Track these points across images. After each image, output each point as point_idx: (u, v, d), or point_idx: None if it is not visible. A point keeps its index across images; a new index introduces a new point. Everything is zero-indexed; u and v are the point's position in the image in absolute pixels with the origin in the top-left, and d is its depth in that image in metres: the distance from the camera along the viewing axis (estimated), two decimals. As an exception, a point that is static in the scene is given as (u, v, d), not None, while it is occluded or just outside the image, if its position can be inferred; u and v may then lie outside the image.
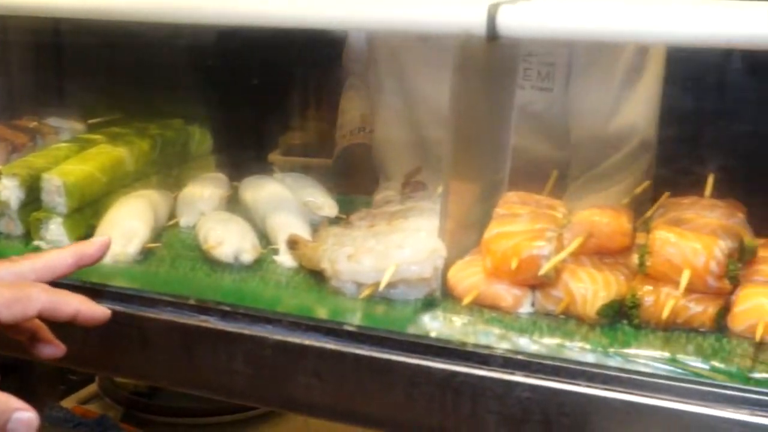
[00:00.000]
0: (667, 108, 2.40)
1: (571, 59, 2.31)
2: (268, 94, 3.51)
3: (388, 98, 2.52)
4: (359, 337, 1.39)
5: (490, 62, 1.56)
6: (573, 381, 1.28)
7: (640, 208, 1.68)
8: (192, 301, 1.49)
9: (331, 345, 1.40)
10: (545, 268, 1.40)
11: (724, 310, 1.39)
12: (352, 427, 1.56)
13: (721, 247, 1.37)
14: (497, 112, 1.67)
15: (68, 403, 2.81)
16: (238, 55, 2.83)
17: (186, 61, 2.78)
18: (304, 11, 1.47)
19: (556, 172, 1.82)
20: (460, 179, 1.56)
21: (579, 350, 1.33)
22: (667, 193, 1.69)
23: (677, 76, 2.44)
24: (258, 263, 1.64)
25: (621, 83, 2.28)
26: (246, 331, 1.44)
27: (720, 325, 1.39)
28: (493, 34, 1.39)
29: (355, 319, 1.44)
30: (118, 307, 1.49)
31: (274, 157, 3.75)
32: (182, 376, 1.51)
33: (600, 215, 1.51)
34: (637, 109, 2.35)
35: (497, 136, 1.70)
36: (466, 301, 1.45)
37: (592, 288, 1.41)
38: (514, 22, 1.38)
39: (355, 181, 2.65)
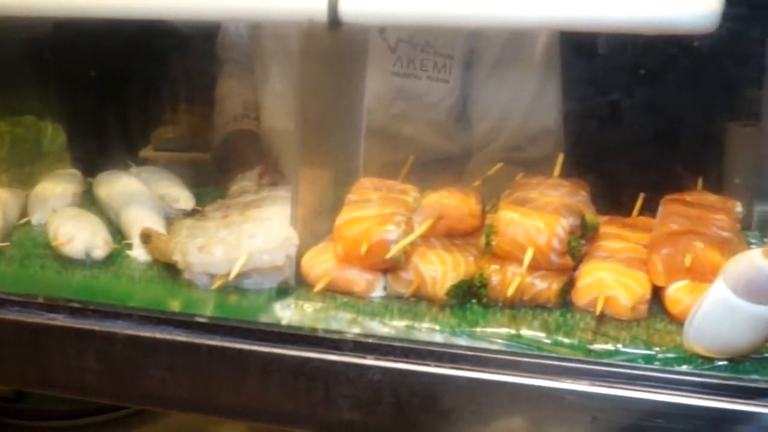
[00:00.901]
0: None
1: (472, 53, 2.33)
2: (136, 88, 3.45)
3: (274, 84, 2.48)
4: (211, 327, 1.39)
5: (336, 49, 1.56)
6: (422, 362, 1.30)
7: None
8: (40, 300, 1.46)
9: (182, 337, 1.39)
10: (393, 251, 1.42)
11: (568, 286, 1.43)
12: (226, 420, 1.55)
13: (563, 224, 1.41)
14: (347, 99, 1.68)
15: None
16: (102, 48, 2.77)
17: (41, 55, 2.71)
18: (142, 1, 1.45)
19: (412, 157, 1.83)
20: (312, 166, 1.56)
21: (428, 331, 1.35)
22: (520, 174, 1.72)
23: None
24: (111, 259, 1.62)
25: (525, 78, 2.30)
26: (96, 328, 1.42)
27: (565, 301, 1.43)
28: (335, 21, 1.39)
29: (207, 311, 1.43)
30: (-36, 310, 1.46)
31: (147, 152, 3.69)
32: (33, 377, 1.48)
33: (449, 198, 1.54)
34: (547, 105, 2.36)
35: (348, 123, 1.71)
36: (318, 287, 1.46)
37: (441, 269, 1.43)
38: (356, 8, 1.39)
39: (242, 170, 2.61)
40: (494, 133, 2.38)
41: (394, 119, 2.24)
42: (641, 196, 1.76)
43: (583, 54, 2.55)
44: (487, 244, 1.43)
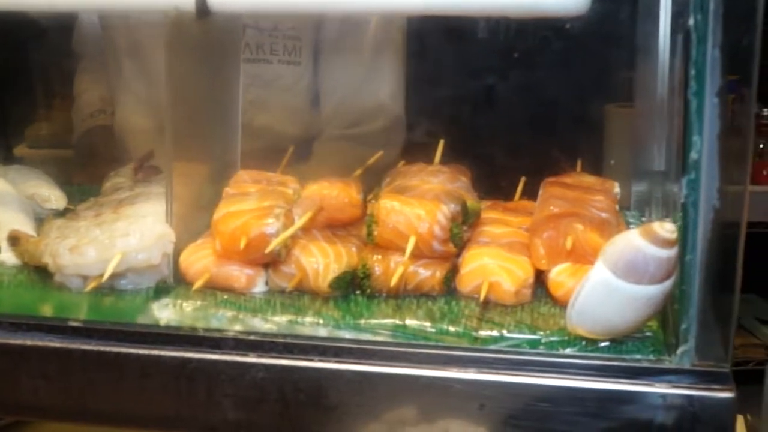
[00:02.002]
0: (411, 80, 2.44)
1: (318, 34, 2.31)
2: (8, 84, 3.32)
3: (128, 80, 2.42)
4: (85, 331, 1.33)
5: (206, 39, 1.52)
6: (306, 357, 1.27)
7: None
8: None
9: (55, 343, 1.33)
10: (272, 245, 1.38)
11: (452, 273, 1.42)
12: (105, 429, 1.49)
13: (444, 211, 1.40)
14: (221, 91, 1.64)
15: None
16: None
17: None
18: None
19: (292, 147, 1.80)
20: (186, 160, 1.51)
21: (311, 325, 1.33)
22: (402, 162, 1.71)
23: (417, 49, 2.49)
24: (-22, 264, 1.55)
25: (366, 58, 2.30)
26: (-38, 338, 1.35)
27: (450, 288, 1.42)
28: (203, 10, 1.35)
29: (81, 314, 1.38)
30: None
31: (21, 150, 3.57)
32: None
33: (329, 188, 1.51)
34: (384, 82, 2.37)
35: (223, 115, 1.66)
36: (198, 285, 1.42)
37: (323, 261, 1.40)
38: (225, -3, 1.35)
39: (99, 168, 2.53)
40: (337, 112, 2.38)
41: (250, 106, 2.20)
42: (522, 180, 1.76)
43: (456, 38, 2.56)
44: (369, 234, 1.41)
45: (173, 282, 1.47)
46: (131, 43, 2.39)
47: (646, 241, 1.18)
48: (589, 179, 1.63)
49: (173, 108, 1.45)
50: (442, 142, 1.69)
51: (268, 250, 1.38)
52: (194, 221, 1.55)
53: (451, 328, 1.31)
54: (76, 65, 2.85)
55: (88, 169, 2.53)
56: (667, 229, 1.18)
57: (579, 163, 1.79)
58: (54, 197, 1.75)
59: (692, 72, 1.12)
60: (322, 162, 2.27)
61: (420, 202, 1.40)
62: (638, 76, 1.77)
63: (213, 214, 1.52)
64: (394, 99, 2.35)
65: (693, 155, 1.14)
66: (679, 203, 1.18)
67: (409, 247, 1.36)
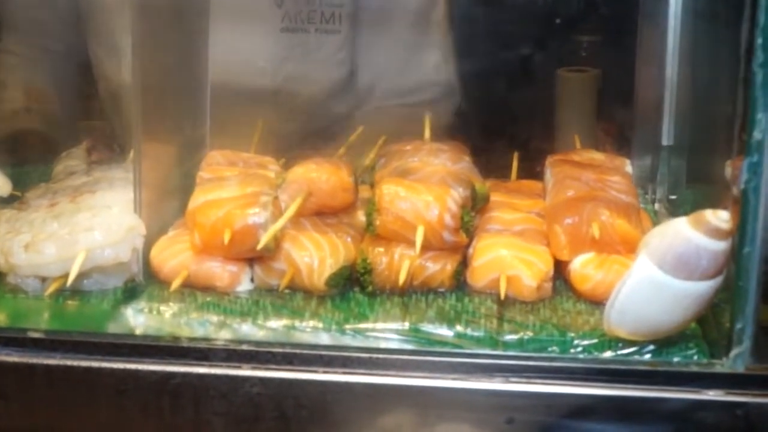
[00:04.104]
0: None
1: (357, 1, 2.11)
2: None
3: (106, 55, 2.13)
4: (48, 344, 1.15)
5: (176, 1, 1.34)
6: (308, 368, 1.11)
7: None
8: None
9: (13, 357, 1.15)
10: (264, 240, 1.21)
11: (462, 266, 1.27)
12: None
13: (454, 197, 1.25)
14: (190, 59, 1.46)
15: None
16: None
17: None
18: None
19: (260, 121, 1.63)
20: (154, 139, 1.33)
21: (312, 331, 1.17)
22: (383, 137, 1.55)
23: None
24: None
25: (408, 25, 2.11)
26: None
27: (459, 283, 1.27)
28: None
29: (41, 323, 1.20)
30: None
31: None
32: None
33: (317, 171, 1.34)
34: (429, 53, 2.18)
35: (193, 86, 1.48)
36: (175, 285, 1.25)
37: (318, 255, 1.24)
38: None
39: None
40: (377, 84, 2.19)
41: (285, 81, 2.02)
42: (515, 156, 1.62)
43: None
44: (369, 223, 1.25)
45: (143, 281, 1.29)
46: (103, 16, 2.12)
47: (698, 232, 1.05)
48: (597, 156, 1.49)
49: (141, 78, 1.27)
50: (428, 117, 1.54)
51: (260, 245, 1.21)
52: (163, 210, 1.37)
53: (470, 332, 1.16)
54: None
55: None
56: (721, 218, 1.04)
57: (577, 138, 1.65)
58: (-3, 183, 1.55)
59: (759, 40, 0.98)
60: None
61: (427, 187, 1.25)
62: (641, 43, 1.63)
63: (181, 200, 1.36)
64: (440, 70, 2.16)
65: (756, 135, 1.01)
66: (715, 185, 1.04)
67: (419, 237, 1.21)
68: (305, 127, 1.61)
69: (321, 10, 2.07)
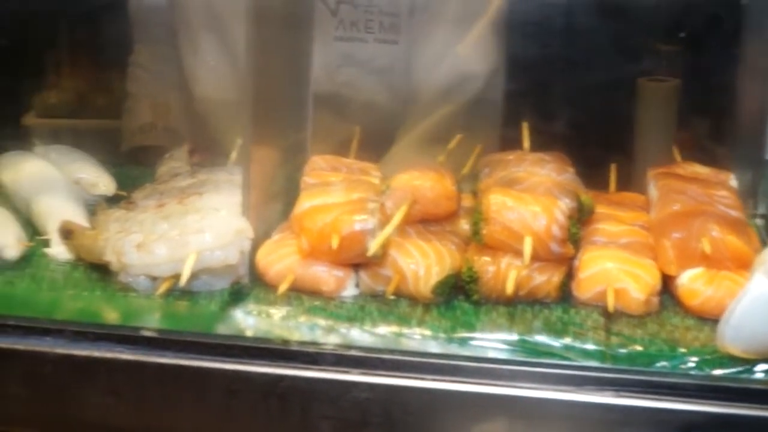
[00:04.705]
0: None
1: (413, 8, 2.08)
2: (14, 51, 3.13)
3: (206, 56, 2.14)
4: (161, 343, 1.17)
5: (287, 8, 1.35)
6: (417, 375, 1.12)
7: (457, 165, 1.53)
8: (-55, 313, 1.22)
9: (127, 355, 1.17)
10: (374, 246, 1.22)
11: (567, 278, 1.26)
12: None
13: (562, 208, 1.24)
14: (296, 64, 1.47)
15: None
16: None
17: None
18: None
19: (358, 128, 1.63)
20: (261, 143, 1.35)
21: (420, 338, 1.17)
22: (479, 146, 1.55)
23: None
24: (25, 259, 1.38)
25: (458, 31, 2.10)
26: (19, 346, 1.19)
27: (564, 293, 1.26)
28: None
29: (153, 322, 1.22)
30: None
31: (29, 120, 3.38)
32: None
33: (421, 178, 1.34)
34: (476, 58, 2.16)
35: (297, 91, 1.50)
36: (282, 288, 1.26)
37: (424, 263, 1.25)
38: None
39: None
40: (427, 92, 2.17)
41: (341, 88, 2.02)
42: (613, 167, 1.61)
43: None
44: (476, 233, 1.25)
45: (248, 283, 1.31)
46: (210, 16, 2.12)
47: (819, 251, 1.03)
48: (701, 169, 1.48)
49: (252, 86, 1.29)
50: (525, 125, 1.53)
51: (371, 252, 1.22)
52: (268, 213, 1.39)
53: (578, 344, 1.15)
54: (93, 33, 2.64)
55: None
56: (842, 237, 1.03)
57: (676, 151, 1.63)
58: (102, 182, 1.58)
59: None
60: (409, 148, 2.07)
61: (534, 198, 1.25)
62: (744, 55, 1.61)
63: (284, 202, 1.38)
64: (490, 78, 2.14)
65: None
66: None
67: (527, 248, 1.21)
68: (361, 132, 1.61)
69: (379, 20, 2.06)
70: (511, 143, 1.54)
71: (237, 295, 1.28)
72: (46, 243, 1.41)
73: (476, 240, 1.25)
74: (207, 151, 1.65)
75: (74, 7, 2.66)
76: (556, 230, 1.23)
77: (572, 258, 1.27)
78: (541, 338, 1.16)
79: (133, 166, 1.77)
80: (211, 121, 2.11)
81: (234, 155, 1.57)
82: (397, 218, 1.27)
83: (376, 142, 1.60)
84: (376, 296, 1.27)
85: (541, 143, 1.56)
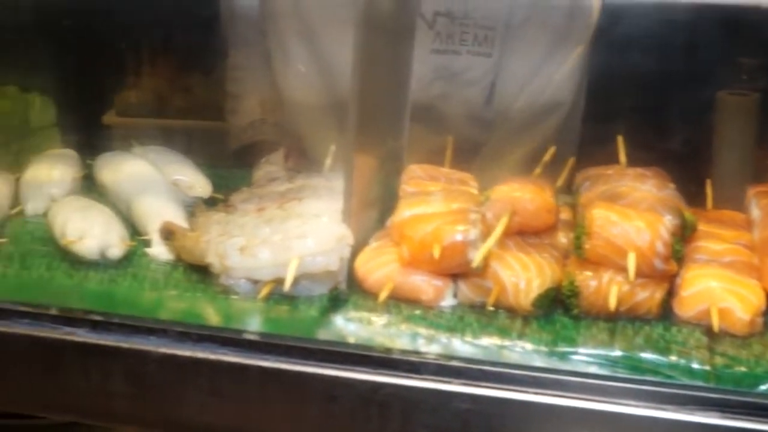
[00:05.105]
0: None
1: (509, 22, 2.08)
2: (96, 51, 3.18)
3: (297, 65, 2.16)
4: (263, 346, 1.18)
5: (393, 17, 1.36)
6: (519, 388, 1.11)
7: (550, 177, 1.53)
8: (54, 311, 1.25)
9: (229, 357, 1.19)
10: (478, 257, 1.22)
11: (669, 295, 1.25)
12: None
13: (666, 224, 1.23)
14: (398, 74, 1.48)
15: None
16: (71, 9, 2.52)
17: (12, 16, 2.43)
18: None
19: (451, 138, 1.64)
20: (362, 151, 1.36)
21: (521, 351, 1.17)
22: (572, 159, 1.55)
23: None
24: (127, 258, 1.40)
25: (548, 49, 2.09)
26: (124, 345, 1.21)
27: (664, 311, 1.25)
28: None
29: (254, 325, 1.24)
30: (-38, 321, 1.24)
31: (110, 118, 3.44)
32: (49, 401, 1.27)
33: (522, 191, 1.34)
34: (564, 74, 2.15)
35: (397, 99, 1.51)
36: (383, 296, 1.26)
37: (524, 276, 1.24)
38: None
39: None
40: (512, 105, 2.17)
41: (433, 99, 2.02)
42: (708, 183, 1.59)
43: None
44: (578, 247, 1.25)
45: (346, 289, 1.32)
46: (301, 24, 2.14)
47: None
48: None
49: (358, 93, 1.29)
50: (621, 138, 1.52)
51: (475, 263, 1.22)
52: (365, 220, 1.40)
53: (683, 362, 1.14)
54: (176, 32, 2.67)
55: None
56: None
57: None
58: (199, 184, 1.60)
59: None
60: (494, 159, 2.07)
61: (639, 213, 1.24)
62: None
63: (380, 210, 1.38)
64: (573, 94, 2.14)
65: None
66: None
67: (631, 264, 1.20)
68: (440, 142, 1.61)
69: (474, 33, 2.06)
70: (592, 157, 1.54)
71: (336, 301, 1.29)
72: (146, 243, 1.43)
73: (578, 254, 1.25)
74: (299, 156, 1.66)
75: (158, 11, 2.70)
76: (660, 247, 1.22)
77: (674, 275, 1.26)
78: (645, 355, 1.15)
79: (226, 168, 1.78)
80: (300, 126, 2.13)
81: (329, 161, 1.58)
82: (499, 229, 1.27)
83: (462, 152, 1.59)
84: (473, 307, 1.27)
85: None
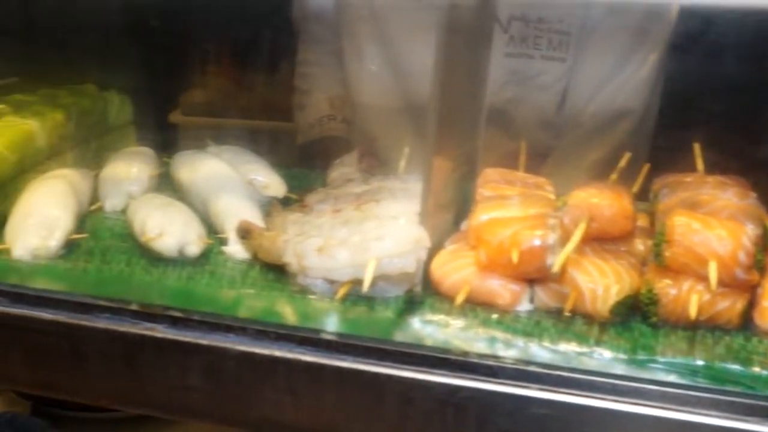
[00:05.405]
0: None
1: (583, 28, 2.07)
2: (163, 51, 3.23)
3: (370, 67, 2.19)
4: (341, 346, 1.19)
5: (472, 21, 1.36)
6: (598, 396, 1.11)
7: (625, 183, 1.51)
8: (134, 307, 1.26)
9: (306, 357, 1.19)
10: (558, 263, 1.22)
11: (750, 305, 1.24)
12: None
13: (748, 233, 1.22)
14: (475, 77, 1.48)
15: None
16: (147, 8, 2.56)
17: (86, 14, 2.47)
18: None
19: (524, 143, 1.63)
20: (439, 153, 1.36)
21: (600, 357, 1.16)
22: (647, 165, 1.53)
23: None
24: (204, 256, 1.42)
25: (623, 54, 2.08)
26: (203, 341, 1.23)
27: (745, 321, 1.24)
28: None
29: (331, 325, 1.24)
30: (44, 314, 1.27)
31: (175, 117, 3.48)
32: (127, 395, 1.28)
33: (599, 197, 1.34)
34: (637, 80, 2.14)
35: (473, 103, 1.51)
36: (459, 299, 1.26)
37: (602, 282, 1.24)
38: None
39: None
40: (583, 111, 2.16)
41: (505, 104, 2.02)
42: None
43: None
44: (658, 254, 1.24)
45: (421, 291, 1.32)
46: (376, 27, 2.16)
47: None
48: None
49: (438, 96, 1.30)
50: (698, 146, 1.51)
51: (555, 268, 1.22)
52: (441, 222, 1.40)
53: (765, 373, 1.13)
54: (242, 33, 2.69)
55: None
56: None
57: None
58: (273, 184, 1.62)
59: None
60: (564, 165, 2.07)
61: (720, 222, 1.23)
62: None
63: (455, 212, 1.38)
64: (646, 100, 2.12)
65: None
66: None
67: (712, 273, 1.19)
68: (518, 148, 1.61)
69: (548, 37, 2.05)
70: (664, 164, 1.53)
71: (411, 303, 1.29)
72: (223, 241, 1.45)
73: (657, 262, 1.24)
74: (372, 157, 1.67)
75: (225, 11, 2.73)
76: (742, 256, 1.20)
77: (756, 285, 1.24)
78: (727, 366, 1.14)
79: (291, 168, 1.79)
80: (371, 127, 2.14)
81: (403, 163, 1.59)
82: (578, 235, 1.26)
83: (531, 156, 1.59)
84: (550, 312, 1.27)
85: (688, 164, 1.55)
